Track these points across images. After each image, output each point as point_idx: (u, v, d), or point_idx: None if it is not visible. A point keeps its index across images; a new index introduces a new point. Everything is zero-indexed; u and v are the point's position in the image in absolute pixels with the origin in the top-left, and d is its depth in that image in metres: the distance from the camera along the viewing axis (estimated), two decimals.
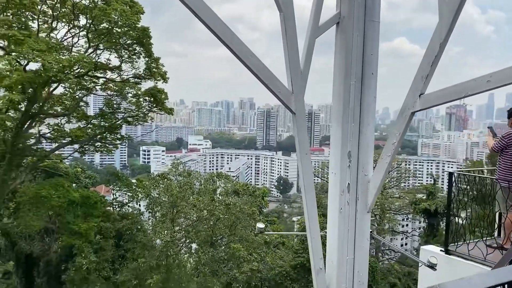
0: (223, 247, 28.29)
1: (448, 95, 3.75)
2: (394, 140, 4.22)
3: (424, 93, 3.96)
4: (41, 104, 25.31)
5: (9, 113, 25.15)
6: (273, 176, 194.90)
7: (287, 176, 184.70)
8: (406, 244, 67.53)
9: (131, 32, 23.91)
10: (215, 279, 24.31)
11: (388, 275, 35.78)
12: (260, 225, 5.57)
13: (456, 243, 7.66)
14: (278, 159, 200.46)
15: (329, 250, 4.51)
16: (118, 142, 29.99)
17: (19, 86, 21.37)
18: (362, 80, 4.38)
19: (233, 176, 42.35)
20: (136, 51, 25.49)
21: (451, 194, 7.65)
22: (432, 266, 4.77)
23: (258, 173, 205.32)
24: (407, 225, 58.81)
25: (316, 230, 4.37)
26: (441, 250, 7.65)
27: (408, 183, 65.25)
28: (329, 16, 4.38)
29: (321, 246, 4.45)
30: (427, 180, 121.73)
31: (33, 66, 22.28)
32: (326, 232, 4.59)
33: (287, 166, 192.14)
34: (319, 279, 4.43)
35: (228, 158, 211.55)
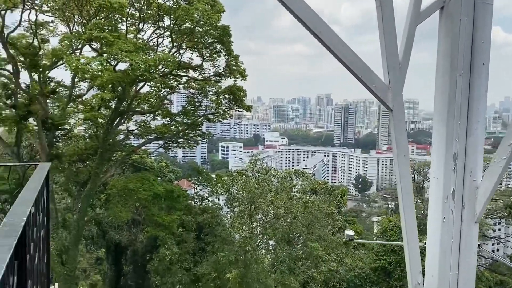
0: (300, 245, 27.99)
1: None
2: (511, 141, 3.63)
3: None
4: (129, 102, 26.81)
5: (101, 111, 27.01)
6: (351, 174, 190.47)
7: (366, 174, 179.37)
8: (498, 250, 62.53)
9: (212, 31, 24.38)
10: (293, 277, 24.08)
11: (477, 283, 33.13)
12: (349, 232, 5.21)
13: None
14: (357, 156, 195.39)
15: (429, 263, 4.02)
16: (199, 138, 30.95)
17: (110, 85, 22.75)
18: (471, 72, 3.83)
19: (310, 174, 41.80)
20: (216, 50, 25.98)
21: None
22: None
23: (335, 171, 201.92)
24: (499, 229, 54.50)
25: (414, 241, 3.91)
26: None
27: (502, 184, 60.21)
28: (432, 0, 3.89)
29: (420, 258, 3.98)
30: None
31: (122, 66, 23.66)
32: (425, 243, 4.11)
33: (366, 164, 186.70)
34: None
35: (304, 155, 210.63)
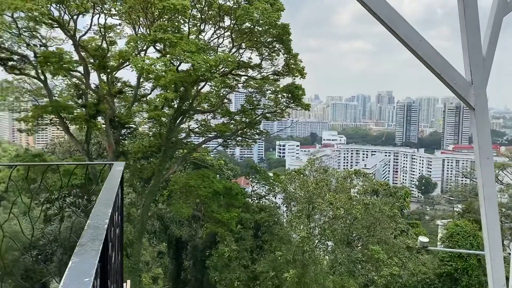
0: (359, 248, 27.30)
1: None
2: None
3: None
4: (190, 101, 27.52)
5: (164, 110, 27.95)
6: (413, 174, 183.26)
7: (430, 175, 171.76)
8: None
9: (271, 30, 24.36)
10: (352, 280, 23.53)
11: None
12: (424, 239, 4.90)
13: None
14: (420, 156, 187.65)
15: None
16: (257, 137, 31.14)
17: (173, 85, 23.45)
18: None
19: (370, 174, 40.69)
20: (275, 49, 25.97)
21: None
22: None
23: (396, 171, 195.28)
24: None
25: (498, 251, 3.59)
26: None
27: None
28: None
29: (503, 269, 3.66)
30: None
31: (184, 66, 24.31)
32: (509, 253, 3.77)
33: (430, 165, 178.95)
34: None
35: (363, 154, 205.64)
